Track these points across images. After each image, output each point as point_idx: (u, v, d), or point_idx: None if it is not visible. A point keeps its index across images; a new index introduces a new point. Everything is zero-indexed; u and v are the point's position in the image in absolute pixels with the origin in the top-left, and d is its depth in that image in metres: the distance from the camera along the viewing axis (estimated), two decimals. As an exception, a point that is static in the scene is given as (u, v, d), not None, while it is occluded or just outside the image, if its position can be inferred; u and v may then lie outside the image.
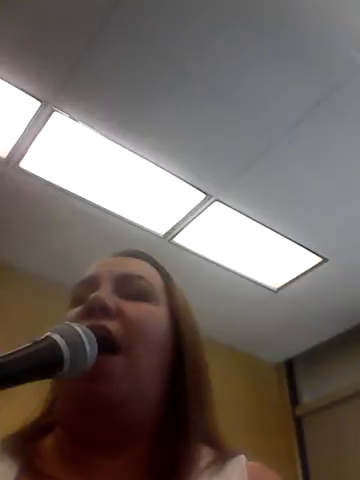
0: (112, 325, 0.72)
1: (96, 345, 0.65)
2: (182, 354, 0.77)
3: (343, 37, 2.18)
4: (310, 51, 2.22)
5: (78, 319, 0.73)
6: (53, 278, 3.29)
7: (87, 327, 0.71)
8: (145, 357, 0.73)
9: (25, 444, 0.75)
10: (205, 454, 0.73)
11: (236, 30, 2.17)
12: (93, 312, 0.73)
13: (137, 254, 0.87)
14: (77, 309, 0.76)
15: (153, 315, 0.77)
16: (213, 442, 0.76)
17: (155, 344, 0.75)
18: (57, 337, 0.60)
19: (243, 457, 0.74)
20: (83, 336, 0.63)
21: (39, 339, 0.59)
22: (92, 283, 0.79)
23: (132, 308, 0.75)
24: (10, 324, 2.85)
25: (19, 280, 3.24)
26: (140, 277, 0.79)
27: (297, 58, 2.25)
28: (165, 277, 0.84)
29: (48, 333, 0.61)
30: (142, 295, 0.77)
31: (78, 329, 0.63)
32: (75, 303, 0.79)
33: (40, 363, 0.58)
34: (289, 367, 4.18)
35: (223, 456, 0.73)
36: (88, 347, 0.63)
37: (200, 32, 2.18)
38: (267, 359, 4.09)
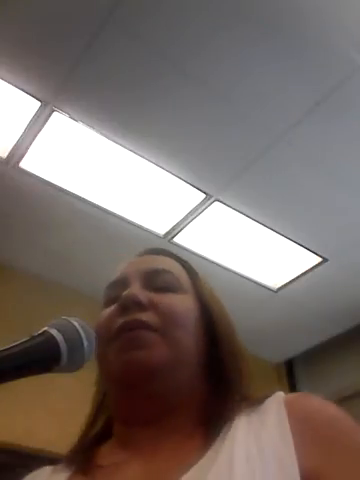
0: (146, 316, 0.77)
1: (94, 340, 0.65)
2: (215, 335, 0.82)
3: (343, 37, 2.18)
4: (310, 51, 2.22)
5: (113, 317, 0.78)
6: (53, 278, 3.30)
7: (123, 323, 0.76)
8: (182, 337, 0.78)
9: (81, 452, 0.79)
10: (244, 403, 0.76)
11: (236, 30, 2.17)
12: (127, 308, 0.78)
13: (161, 251, 0.92)
14: (111, 308, 0.80)
15: (183, 303, 0.82)
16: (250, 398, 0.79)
17: (188, 329, 0.80)
18: (54, 332, 0.60)
19: (281, 394, 0.76)
20: (80, 331, 0.63)
21: (36, 334, 0.60)
22: (122, 282, 0.83)
23: (162, 299, 0.80)
24: (10, 324, 2.85)
25: (19, 280, 3.24)
26: (166, 271, 0.85)
27: (297, 58, 2.26)
28: (188, 270, 0.89)
29: (45, 328, 0.61)
30: (170, 287, 0.82)
31: (75, 324, 0.64)
32: (108, 304, 0.83)
33: (37, 357, 0.58)
34: (289, 367, 4.18)
35: (261, 398, 0.76)
36: (86, 342, 0.63)
37: (200, 32, 2.18)
38: (267, 359, 4.09)
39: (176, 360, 0.76)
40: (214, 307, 0.85)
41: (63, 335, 0.60)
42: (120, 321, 0.77)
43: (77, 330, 0.63)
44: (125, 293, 0.79)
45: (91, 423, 0.84)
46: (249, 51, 2.24)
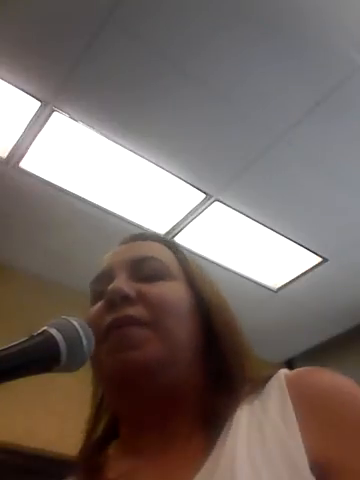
0: (135, 310, 0.73)
1: (93, 339, 0.65)
2: (210, 319, 0.77)
3: (343, 37, 2.18)
4: (310, 51, 2.22)
5: (101, 315, 0.74)
6: (53, 278, 3.30)
7: (111, 321, 0.72)
8: (175, 330, 0.73)
9: (89, 459, 0.76)
10: (246, 389, 0.72)
11: (236, 30, 2.17)
12: (115, 304, 0.73)
13: (145, 236, 0.87)
14: (98, 305, 0.76)
15: (172, 290, 0.77)
16: (254, 379, 0.74)
17: (181, 318, 0.75)
18: (54, 331, 0.60)
19: (282, 372, 0.71)
20: (80, 330, 0.63)
21: (36, 333, 0.59)
22: (107, 275, 0.79)
23: (151, 289, 0.75)
24: (10, 324, 2.85)
25: (19, 280, 3.24)
26: (152, 258, 0.79)
27: (297, 58, 2.26)
28: (177, 253, 0.84)
29: (45, 327, 0.61)
30: (157, 275, 0.77)
31: (75, 323, 0.63)
32: (95, 299, 0.79)
33: (36, 357, 0.58)
34: (289, 367, 4.16)
35: (263, 380, 0.71)
36: (85, 341, 0.63)
37: (200, 32, 2.18)
38: (267, 359, 4.08)
39: (171, 355, 0.72)
40: (208, 293, 0.80)
41: (62, 335, 0.60)
42: (109, 319, 0.73)
43: (77, 330, 0.63)
44: (110, 287, 0.74)
45: (93, 426, 0.80)
46: (249, 51, 2.24)
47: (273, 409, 0.65)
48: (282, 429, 0.62)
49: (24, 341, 0.58)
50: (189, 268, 0.82)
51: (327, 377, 0.70)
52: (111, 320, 0.73)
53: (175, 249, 0.85)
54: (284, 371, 0.71)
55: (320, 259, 3.22)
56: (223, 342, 0.76)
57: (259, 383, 0.71)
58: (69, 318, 0.65)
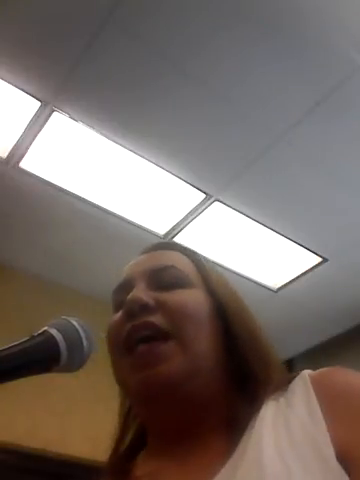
0: (156, 318, 0.74)
1: (94, 340, 0.65)
2: (229, 324, 0.78)
3: (343, 37, 2.18)
4: (310, 51, 2.22)
5: (121, 324, 0.75)
6: (53, 278, 3.30)
7: (130, 327, 0.73)
8: (196, 338, 0.74)
9: (118, 469, 0.77)
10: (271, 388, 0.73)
11: (236, 30, 2.17)
12: (134, 313, 0.74)
13: (165, 246, 0.88)
14: (118, 314, 0.78)
15: (191, 298, 0.78)
16: (278, 381, 0.75)
17: (201, 324, 0.76)
18: (54, 331, 0.60)
19: (306, 372, 0.73)
20: (80, 330, 0.63)
21: (36, 334, 0.59)
22: (128, 285, 0.80)
23: (170, 297, 0.76)
24: (10, 324, 2.85)
25: (19, 280, 3.24)
26: (171, 267, 0.80)
27: (297, 58, 2.26)
28: (196, 261, 0.85)
29: (45, 327, 0.61)
30: (176, 283, 0.79)
31: (75, 323, 0.63)
32: (117, 309, 0.80)
33: (37, 357, 0.58)
34: (289, 367, 4.18)
35: (287, 379, 0.73)
36: (85, 342, 0.63)
37: (200, 32, 2.18)
38: (267, 359, 4.09)
39: (193, 366, 0.73)
40: (228, 300, 0.81)
41: (63, 335, 0.60)
42: (128, 326, 0.74)
43: (77, 330, 0.63)
44: (129, 297, 0.76)
45: (121, 435, 0.81)
46: (249, 51, 2.24)
47: (299, 405, 0.67)
48: (309, 423, 0.64)
49: (24, 341, 0.58)
50: (208, 275, 0.83)
51: (349, 375, 0.73)
52: (130, 327, 0.74)
53: (194, 257, 0.86)
54: (308, 371, 0.73)
55: (320, 259, 3.22)
56: (244, 346, 0.77)
57: (284, 382, 0.73)
58: (69, 318, 0.65)
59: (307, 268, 3.29)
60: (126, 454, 0.79)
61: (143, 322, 0.73)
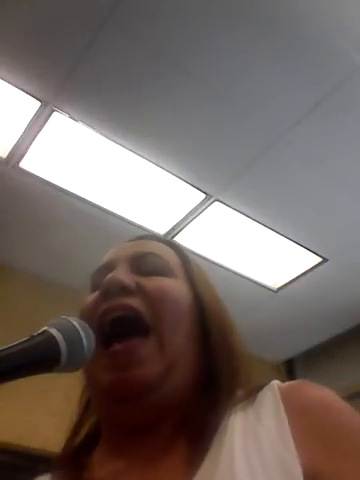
0: (136, 302, 0.72)
1: (93, 339, 0.64)
2: (206, 322, 0.76)
3: (343, 37, 2.18)
4: (310, 51, 2.22)
5: (96, 304, 0.73)
6: (53, 278, 3.30)
7: (106, 308, 0.70)
8: (174, 331, 0.72)
9: (71, 461, 0.75)
10: (238, 395, 0.71)
11: (236, 30, 2.17)
12: (111, 293, 0.72)
13: (150, 236, 0.88)
14: (94, 294, 0.75)
15: (174, 287, 0.76)
16: (246, 386, 0.74)
17: (180, 314, 0.74)
18: (54, 331, 0.60)
19: (275, 383, 0.71)
20: (80, 330, 0.63)
21: (36, 333, 0.59)
22: (108, 267, 0.78)
23: (152, 282, 0.74)
24: (10, 324, 2.85)
25: (19, 280, 3.24)
26: (155, 254, 0.79)
27: (297, 58, 2.25)
28: (180, 254, 0.83)
29: (45, 327, 0.60)
30: (159, 270, 0.77)
31: (75, 323, 0.63)
32: (93, 290, 0.77)
33: (37, 357, 0.58)
34: (289, 367, 4.18)
35: (255, 389, 0.71)
36: (85, 341, 0.63)
37: (200, 32, 2.18)
38: (267, 359, 4.09)
39: (170, 369, 0.70)
40: (208, 296, 0.79)
41: (63, 335, 0.60)
42: (103, 307, 0.72)
43: (77, 330, 0.63)
44: (108, 277, 0.73)
45: (78, 427, 0.79)
46: (249, 51, 2.24)
47: (268, 418, 0.65)
48: (277, 440, 0.62)
49: (24, 341, 0.58)
50: (191, 269, 0.81)
51: (319, 391, 0.70)
52: (105, 308, 0.71)
53: (177, 249, 0.84)
54: (277, 382, 0.71)
55: (320, 259, 3.22)
56: (216, 347, 0.75)
57: (252, 391, 0.70)
58: (69, 318, 0.65)
59: (307, 268, 3.29)
60: (81, 447, 0.77)
61: (120, 304, 0.71)
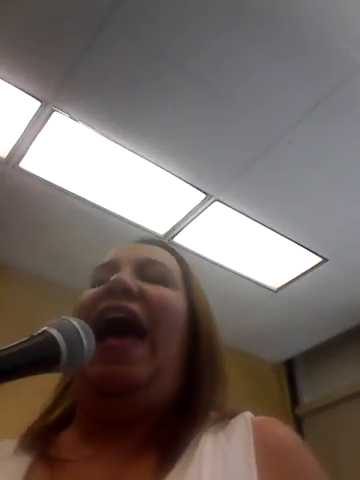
0: (136, 307, 0.73)
1: (93, 339, 0.65)
2: (198, 339, 0.78)
3: (343, 37, 2.18)
4: (310, 51, 2.22)
5: (97, 299, 0.74)
6: (53, 278, 3.30)
7: (107, 306, 0.72)
8: (167, 341, 0.74)
9: (42, 436, 0.76)
10: (211, 417, 0.73)
11: (236, 30, 2.17)
12: (114, 293, 0.73)
13: (156, 242, 0.88)
14: (96, 289, 0.76)
15: (173, 298, 0.77)
16: (220, 409, 0.76)
17: (175, 327, 0.76)
18: (54, 331, 0.60)
19: (248, 414, 0.73)
20: (80, 330, 0.63)
21: (36, 334, 0.59)
22: (113, 266, 0.79)
23: (154, 290, 0.76)
24: (10, 324, 2.84)
25: (19, 280, 3.24)
26: (159, 263, 0.80)
27: (297, 58, 2.25)
28: (183, 266, 0.85)
29: (45, 327, 0.61)
30: (162, 280, 0.78)
31: (75, 323, 0.63)
32: (94, 284, 0.78)
33: (36, 357, 0.58)
34: (289, 367, 4.18)
35: (228, 414, 0.73)
36: (85, 341, 0.63)
37: (200, 32, 2.18)
38: (267, 359, 4.09)
39: (159, 372, 0.72)
40: (203, 314, 0.81)
41: (63, 335, 0.60)
42: (104, 304, 0.73)
43: (77, 330, 0.63)
44: (114, 277, 0.74)
45: (53, 407, 0.81)
46: (249, 51, 2.24)
47: (237, 442, 0.67)
48: (242, 462, 0.65)
49: (24, 341, 0.58)
50: (190, 281, 0.83)
51: (287, 433, 0.72)
52: (106, 305, 0.72)
53: (180, 259, 0.86)
54: (250, 414, 0.73)
55: (320, 259, 3.22)
56: (203, 366, 0.77)
57: (226, 416, 0.73)
58: (69, 318, 0.65)
59: (307, 268, 3.29)
60: (51, 426, 0.78)
61: (121, 305, 0.72)
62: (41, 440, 0.75)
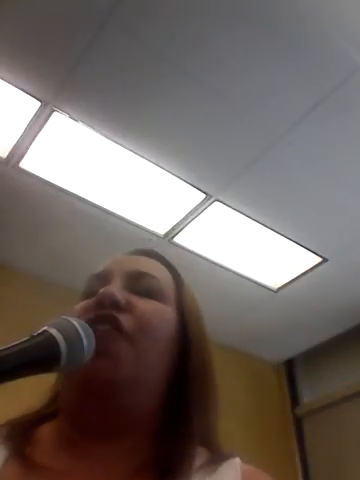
0: (122, 317, 0.73)
1: (93, 339, 0.65)
2: (187, 358, 0.77)
3: (343, 37, 2.18)
4: (310, 51, 2.22)
5: (87, 311, 0.74)
6: (53, 278, 3.30)
7: (94, 316, 0.72)
8: (151, 351, 0.74)
9: (20, 430, 0.76)
10: (199, 454, 0.72)
11: (236, 30, 2.17)
12: (103, 305, 0.74)
13: (150, 253, 0.88)
14: (86, 301, 0.77)
15: (162, 313, 0.77)
16: (209, 444, 0.75)
17: (162, 342, 0.76)
18: (54, 331, 0.60)
19: (237, 460, 0.73)
20: (80, 330, 0.63)
21: (36, 333, 0.59)
22: (104, 277, 0.80)
23: (142, 303, 0.76)
24: (10, 324, 2.85)
25: (19, 280, 3.24)
26: (151, 276, 0.80)
27: (297, 58, 2.25)
28: (176, 279, 0.84)
29: (45, 327, 0.61)
30: (152, 293, 0.78)
31: (75, 323, 0.63)
32: (85, 297, 0.79)
33: (37, 357, 0.58)
34: (289, 367, 4.18)
35: (217, 458, 0.72)
36: (85, 341, 0.63)
37: (200, 32, 2.18)
38: (267, 359, 4.09)
39: (139, 376, 0.72)
40: (195, 331, 0.80)
41: (63, 334, 0.60)
42: (91, 314, 0.73)
43: (77, 330, 0.63)
44: (103, 289, 0.75)
45: (46, 407, 0.81)
46: (249, 51, 2.24)
47: None
48: None
49: (24, 341, 0.58)
50: (183, 294, 0.83)
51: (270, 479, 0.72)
52: (93, 315, 0.73)
53: (174, 272, 0.85)
54: (239, 461, 0.73)
55: (320, 259, 3.22)
56: (192, 388, 0.76)
57: (215, 458, 0.72)
58: (69, 318, 0.65)
59: (307, 268, 3.29)
60: (32, 420, 0.79)
61: (109, 315, 0.73)
62: (19, 434, 0.75)
